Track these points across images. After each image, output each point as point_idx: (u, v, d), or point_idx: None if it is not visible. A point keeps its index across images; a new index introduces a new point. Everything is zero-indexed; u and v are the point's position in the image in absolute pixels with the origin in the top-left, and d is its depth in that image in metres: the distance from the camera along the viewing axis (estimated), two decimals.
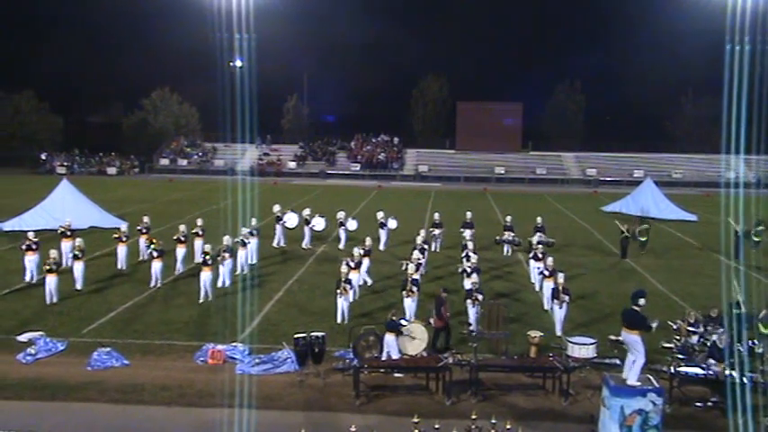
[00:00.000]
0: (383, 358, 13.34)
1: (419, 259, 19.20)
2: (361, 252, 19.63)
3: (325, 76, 77.53)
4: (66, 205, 28.01)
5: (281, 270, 22.44)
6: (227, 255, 19.34)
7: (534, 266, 20.31)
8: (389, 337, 13.33)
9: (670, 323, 14.35)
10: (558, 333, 15.59)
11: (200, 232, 22.38)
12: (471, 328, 15.24)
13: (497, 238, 24.84)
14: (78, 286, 19.10)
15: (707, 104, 61.44)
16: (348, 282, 16.77)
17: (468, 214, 25.89)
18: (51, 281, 17.80)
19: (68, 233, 21.70)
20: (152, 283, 19.63)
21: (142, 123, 71.29)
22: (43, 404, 12.12)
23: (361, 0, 72.43)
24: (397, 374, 13.36)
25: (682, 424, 11.68)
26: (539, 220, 24.95)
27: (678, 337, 13.61)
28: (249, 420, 11.12)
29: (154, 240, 20.51)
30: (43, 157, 63.74)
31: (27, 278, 19.72)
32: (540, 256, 19.76)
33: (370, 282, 20.05)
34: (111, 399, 12.33)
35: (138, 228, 23.16)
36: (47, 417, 11.57)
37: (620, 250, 25.70)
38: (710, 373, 12.22)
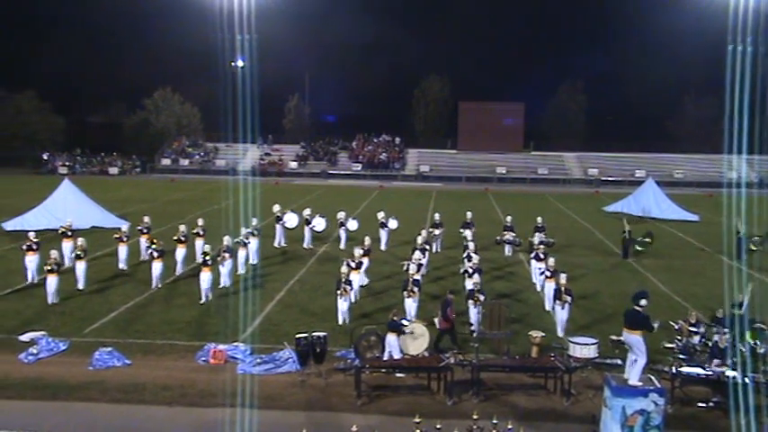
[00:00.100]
0: (385, 358, 13.35)
1: (420, 260, 19.19)
2: (361, 252, 19.62)
3: (327, 75, 77.71)
4: (67, 205, 28.04)
5: (283, 270, 22.44)
6: (227, 255, 19.31)
7: (536, 267, 20.28)
8: (391, 337, 13.33)
9: (672, 323, 14.34)
10: (560, 334, 15.57)
11: (201, 232, 22.39)
12: (473, 328, 15.26)
13: (497, 238, 24.81)
14: (80, 286, 19.14)
15: (709, 104, 61.39)
16: (348, 283, 16.75)
17: (469, 214, 25.81)
18: (52, 281, 17.79)
19: (69, 233, 21.72)
20: (153, 284, 19.63)
21: (144, 123, 71.39)
22: (45, 404, 12.13)
23: (363, 0, 72.59)
24: (398, 374, 13.35)
25: (683, 424, 11.66)
26: (539, 220, 24.93)
27: (680, 338, 13.59)
28: (251, 420, 11.11)
29: (154, 240, 20.50)
30: (45, 157, 63.85)
31: (29, 279, 19.73)
32: (542, 256, 19.74)
33: (366, 281, 20.03)
34: (113, 398, 12.34)
35: (139, 228, 23.14)
36: (48, 416, 11.58)
37: (621, 250, 25.69)
38: (712, 373, 12.21)
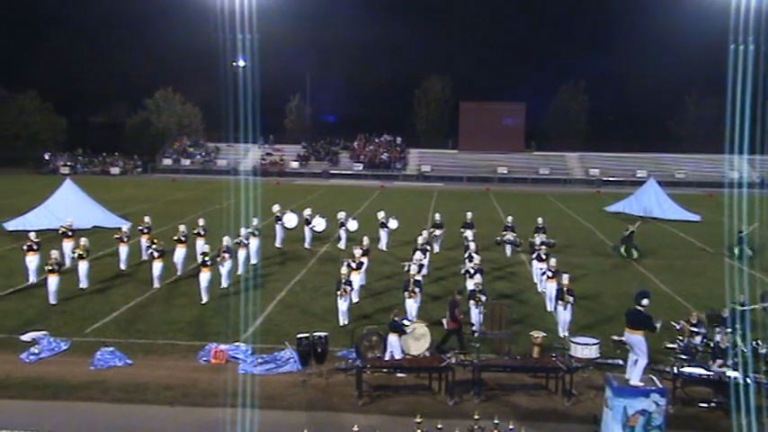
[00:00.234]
0: (386, 358, 13.35)
1: (421, 260, 19.16)
2: (360, 252, 19.60)
3: (328, 75, 77.76)
4: (69, 205, 28.06)
5: (283, 270, 22.44)
6: (226, 255, 19.28)
7: (537, 267, 20.25)
8: (392, 338, 13.34)
9: (673, 323, 14.32)
10: (562, 334, 15.56)
11: (202, 232, 22.39)
12: (474, 328, 15.25)
13: (498, 238, 24.79)
14: (83, 285, 19.16)
15: (710, 104, 61.34)
16: (349, 283, 16.73)
17: (469, 215, 25.76)
18: (53, 282, 17.79)
19: (69, 233, 21.73)
20: (153, 285, 19.63)
21: (145, 123, 71.47)
22: (46, 403, 12.14)
23: (364, 0, 72.60)
24: (399, 374, 13.35)
25: (685, 425, 11.65)
26: (540, 220, 24.89)
27: (681, 338, 13.59)
28: (252, 420, 11.12)
29: (155, 240, 20.50)
30: (46, 157, 63.93)
31: (30, 279, 19.74)
32: (544, 256, 19.71)
33: (364, 281, 19.98)
34: (114, 398, 12.35)
35: (140, 228, 23.14)
36: (50, 416, 11.58)
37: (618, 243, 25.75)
38: (713, 373, 12.20)
